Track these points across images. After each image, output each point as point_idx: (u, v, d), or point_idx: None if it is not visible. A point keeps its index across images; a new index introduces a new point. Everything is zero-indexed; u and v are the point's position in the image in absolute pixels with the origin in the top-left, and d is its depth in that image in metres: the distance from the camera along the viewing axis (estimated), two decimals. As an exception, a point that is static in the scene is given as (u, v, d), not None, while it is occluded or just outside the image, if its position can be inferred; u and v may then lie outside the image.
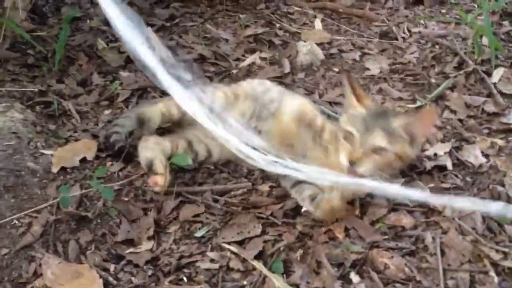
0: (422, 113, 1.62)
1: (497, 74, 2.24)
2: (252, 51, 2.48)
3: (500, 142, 1.91)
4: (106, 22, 2.64)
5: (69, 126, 1.98)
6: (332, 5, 2.86)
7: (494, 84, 2.19)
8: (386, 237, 1.56)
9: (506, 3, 2.60)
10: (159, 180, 1.68)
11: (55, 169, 1.73)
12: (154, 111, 1.83)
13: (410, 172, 1.80)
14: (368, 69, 2.39)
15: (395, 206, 1.65)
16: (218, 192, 1.74)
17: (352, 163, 1.58)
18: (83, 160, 1.79)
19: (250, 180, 1.81)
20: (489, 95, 2.14)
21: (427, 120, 1.62)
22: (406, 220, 1.62)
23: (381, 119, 1.62)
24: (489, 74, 2.24)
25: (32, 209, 1.58)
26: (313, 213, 1.59)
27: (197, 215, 1.64)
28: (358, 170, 1.57)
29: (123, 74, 2.27)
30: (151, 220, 1.60)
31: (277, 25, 2.70)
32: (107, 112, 2.09)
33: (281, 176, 1.72)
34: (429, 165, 1.79)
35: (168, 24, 2.68)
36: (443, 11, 2.84)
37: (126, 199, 1.68)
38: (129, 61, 2.36)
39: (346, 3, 2.86)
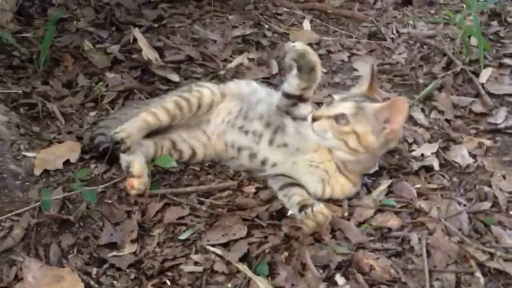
0: (393, 101, 1.57)
1: (485, 74, 2.23)
2: (240, 52, 2.46)
3: (488, 143, 1.90)
4: (93, 24, 2.65)
5: (53, 128, 1.96)
6: (320, 6, 2.85)
7: (482, 84, 2.18)
8: (372, 238, 1.55)
9: (495, 3, 2.59)
10: (135, 183, 1.66)
11: (37, 172, 1.70)
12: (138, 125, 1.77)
13: (397, 172, 1.79)
14: (356, 69, 2.38)
15: (382, 207, 1.64)
16: (203, 194, 1.72)
17: (313, 120, 1.62)
18: (67, 163, 1.77)
19: (236, 181, 1.79)
20: (477, 95, 2.14)
21: (397, 108, 1.55)
22: (393, 221, 1.61)
23: (361, 98, 1.63)
24: (477, 74, 2.24)
25: (14, 212, 1.55)
26: (304, 223, 1.53)
27: (182, 218, 1.62)
28: (313, 125, 1.61)
29: (109, 75, 2.25)
30: (135, 223, 1.57)
31: (266, 26, 2.68)
32: (92, 114, 2.07)
33: (269, 177, 1.71)
34: (416, 165, 1.79)
35: (156, 25, 2.66)
36: (432, 11, 2.84)
37: (110, 201, 1.65)
38: (116, 62, 2.34)
39: (335, 4, 2.85)
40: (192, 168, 1.83)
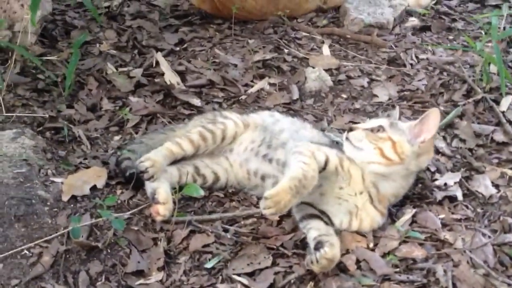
0: (426, 113, 1.68)
1: (506, 102, 2.24)
2: (261, 77, 2.49)
3: (510, 172, 1.91)
4: (116, 47, 2.69)
5: (79, 153, 1.98)
6: (339, 31, 2.87)
7: (503, 112, 2.19)
8: (398, 269, 1.55)
9: (515, 32, 2.61)
10: (161, 210, 1.68)
11: (65, 198, 1.73)
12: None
13: (420, 202, 1.80)
14: (376, 95, 2.39)
15: (406, 238, 1.65)
16: (228, 221, 1.74)
17: (349, 130, 1.73)
18: (93, 188, 1.79)
19: (259, 208, 1.80)
20: (498, 123, 2.15)
21: (431, 118, 1.66)
22: (418, 252, 1.61)
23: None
24: (497, 103, 2.25)
25: (43, 239, 1.57)
26: (314, 265, 1.52)
27: (207, 245, 1.64)
28: (348, 135, 1.71)
29: (133, 99, 2.28)
30: (161, 250, 1.59)
31: (285, 50, 2.71)
32: (116, 138, 2.10)
33: (294, 207, 1.71)
34: (439, 195, 1.79)
35: (177, 49, 2.70)
36: (451, 37, 2.85)
37: (136, 228, 1.67)
38: (139, 86, 2.37)
39: (354, 29, 2.87)
40: (216, 195, 1.85)
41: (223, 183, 1.87)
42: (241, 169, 1.86)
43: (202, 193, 1.69)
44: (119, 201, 1.76)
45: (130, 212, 1.70)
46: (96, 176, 1.82)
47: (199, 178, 1.84)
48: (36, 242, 1.56)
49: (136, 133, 2.11)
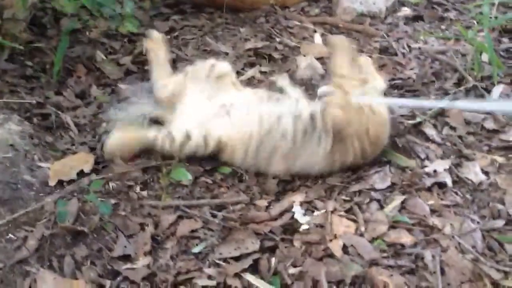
0: None
1: (497, 91, 2.23)
2: (252, 65, 2.47)
3: (500, 160, 1.90)
4: (106, 34, 2.66)
5: (66, 139, 1.97)
6: (332, 20, 2.86)
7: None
8: (386, 255, 1.54)
9: (507, 20, 2.59)
10: None
11: (52, 182, 1.71)
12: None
13: (410, 188, 1.79)
14: (367, 84, 2.38)
15: (395, 223, 1.64)
16: (216, 207, 1.73)
17: None
18: (80, 173, 1.77)
19: (248, 195, 1.80)
20: (489, 112, 2.13)
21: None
22: (406, 238, 1.60)
23: None
24: (488, 91, 2.24)
25: (28, 223, 1.56)
26: None
27: (195, 230, 1.63)
28: None
29: (122, 86, 2.26)
30: (148, 235, 1.58)
31: (277, 39, 2.69)
32: (105, 125, 2.08)
33: None
34: (429, 182, 1.78)
35: (168, 37, 2.67)
36: (443, 27, 2.84)
37: (123, 213, 1.66)
38: (128, 73, 2.36)
39: (346, 18, 2.86)
40: (205, 181, 1.83)
41: (195, 142, 1.90)
42: None
43: (189, 177, 1.68)
44: (106, 186, 1.75)
45: (118, 196, 1.69)
46: (83, 161, 1.81)
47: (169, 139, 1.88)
48: (22, 226, 1.55)
49: (125, 119, 2.09)
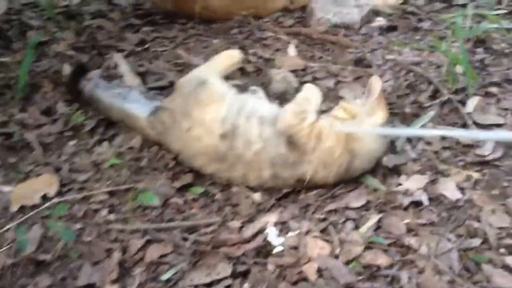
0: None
1: (472, 103, 2.21)
2: (225, 78, 2.41)
3: (476, 175, 1.87)
4: (74, 47, 2.59)
5: (30, 159, 1.89)
6: (306, 31, 2.82)
7: (469, 114, 2.16)
8: (361, 277, 1.50)
9: (484, 31, 2.59)
10: None
11: (14, 208, 1.64)
12: None
13: (385, 207, 1.75)
14: (342, 97, 2.34)
15: (370, 244, 1.60)
16: (187, 230, 1.67)
17: None
18: (44, 197, 1.70)
19: (220, 215, 1.75)
20: (464, 125, 2.11)
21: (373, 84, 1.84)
22: (382, 259, 1.57)
23: None
24: (463, 103, 2.22)
25: (-13, 252, 1.48)
26: None
27: (164, 255, 1.57)
28: None
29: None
30: (115, 262, 1.51)
31: (250, 51, 2.64)
32: (71, 143, 2.01)
33: None
34: (405, 200, 1.75)
35: (138, 49, 2.61)
36: (417, 37, 2.82)
37: (89, 238, 1.59)
38: (97, 88, 2.28)
39: (320, 29, 2.82)
40: (176, 202, 1.77)
41: None
42: None
43: (157, 201, 1.62)
44: (71, 210, 1.67)
45: (83, 221, 1.62)
46: (47, 183, 1.74)
47: None
48: (-21, 256, 1.47)
49: (92, 137, 2.02)
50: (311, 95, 1.90)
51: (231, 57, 2.15)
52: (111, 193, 1.76)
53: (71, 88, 2.13)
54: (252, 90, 2.14)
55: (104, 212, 1.69)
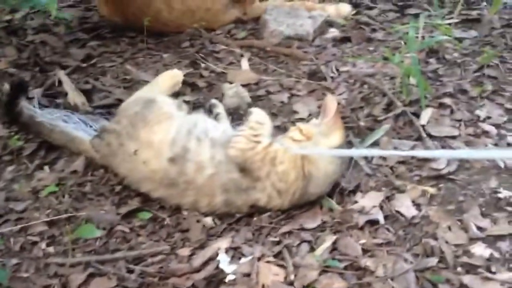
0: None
1: (426, 115, 2.19)
2: (175, 95, 2.33)
3: (431, 190, 1.84)
4: (15, 64, 2.45)
5: (-38, 188, 1.76)
6: (259, 43, 2.76)
7: (423, 126, 2.13)
8: (317, 305, 1.44)
9: (437, 42, 2.58)
10: None
11: None
12: None
13: (341, 226, 1.70)
14: (296, 112, 2.29)
15: (325, 267, 1.54)
16: (133, 260, 1.57)
17: None
18: (-23, 230, 1.58)
19: (169, 243, 1.66)
20: (419, 138, 2.08)
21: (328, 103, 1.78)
22: (338, 284, 1.51)
23: None
24: (417, 116, 2.19)
25: None
26: None
27: (108, 290, 1.46)
28: None
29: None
30: (54, 300, 1.41)
31: (202, 65, 2.57)
32: (10, 168, 1.89)
33: None
34: (361, 220, 1.70)
35: (84, 65, 2.50)
36: (371, 48, 2.79)
37: (26, 275, 1.47)
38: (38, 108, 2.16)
39: (273, 41, 2.77)
40: (121, 230, 1.68)
41: None
42: None
43: (98, 234, 1.52)
44: (7, 243, 1.56)
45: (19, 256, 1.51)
46: (-20, 216, 1.61)
47: None
48: None
49: (32, 162, 1.90)
50: (262, 119, 1.83)
51: (173, 76, 2.08)
52: (51, 223, 1.65)
53: (9, 109, 2.00)
54: (212, 104, 2.07)
55: (43, 244, 1.58)
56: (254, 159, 1.68)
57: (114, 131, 1.83)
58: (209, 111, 2.08)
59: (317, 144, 1.75)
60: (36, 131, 1.98)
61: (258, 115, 1.83)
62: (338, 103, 2.33)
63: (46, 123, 1.95)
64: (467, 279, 1.50)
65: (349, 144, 2.02)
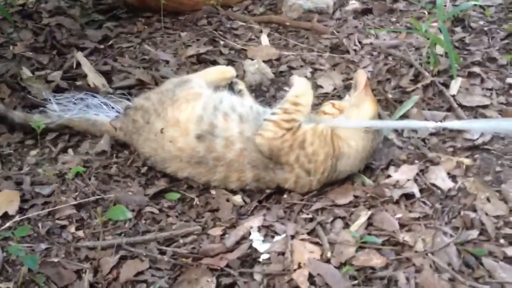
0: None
1: (455, 85, 2.11)
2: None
3: (467, 161, 1.78)
4: (32, 48, 2.41)
5: (-13, 174, 1.73)
6: (278, 18, 2.69)
7: (453, 96, 2.06)
8: (356, 282, 1.39)
9: (461, 10, 2.49)
10: None
11: (-29, 230, 1.48)
12: None
13: (375, 201, 1.64)
14: (321, 86, 2.23)
15: (362, 243, 1.49)
16: (164, 241, 1.54)
17: None
18: (5, 215, 1.54)
19: (200, 223, 1.62)
20: (450, 109, 2.02)
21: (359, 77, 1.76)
22: (376, 260, 1.46)
23: None
24: (447, 86, 2.12)
25: None
26: None
27: (141, 273, 1.43)
28: None
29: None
30: (86, 285, 1.37)
31: (221, 42, 2.50)
32: (33, 153, 1.85)
33: None
34: (395, 193, 1.64)
35: (102, 47, 2.45)
36: (393, 19, 2.71)
37: (56, 260, 1.44)
38: (58, 91, 2.12)
39: (293, 16, 2.70)
40: (150, 211, 1.64)
41: None
42: None
43: (129, 215, 1.48)
44: (35, 228, 1.52)
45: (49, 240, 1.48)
46: (7, 201, 1.58)
47: None
48: None
49: (56, 146, 1.87)
50: (303, 91, 1.75)
51: (223, 72, 2.02)
52: (79, 206, 1.62)
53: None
54: (233, 82, 2.02)
55: (72, 228, 1.54)
56: (282, 146, 1.63)
57: (141, 107, 1.79)
58: (231, 89, 2.02)
59: (349, 117, 1.70)
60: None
61: (298, 87, 1.75)
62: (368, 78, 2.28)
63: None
64: (510, 251, 1.45)
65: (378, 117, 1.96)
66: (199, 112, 1.70)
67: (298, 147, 1.63)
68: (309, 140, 1.64)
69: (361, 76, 1.75)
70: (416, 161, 1.79)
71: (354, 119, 1.70)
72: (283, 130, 1.64)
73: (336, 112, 1.72)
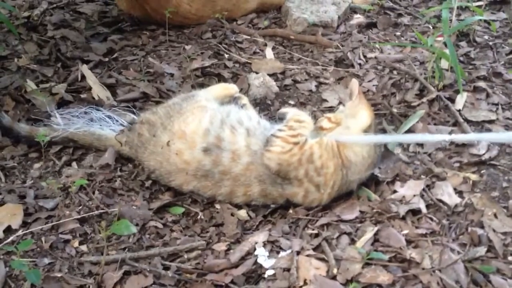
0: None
1: (461, 100, 2.11)
2: (200, 86, 2.26)
3: (473, 177, 1.76)
4: (37, 60, 2.41)
5: (-9, 187, 1.72)
6: (282, 32, 2.69)
7: (459, 111, 2.05)
8: (362, 299, 1.38)
9: (466, 25, 2.49)
10: None
11: (-27, 244, 1.47)
12: None
13: (381, 217, 1.63)
14: (325, 100, 2.22)
15: (369, 260, 1.47)
16: (168, 256, 1.52)
17: None
18: (8, 229, 1.53)
19: (204, 238, 1.60)
20: (455, 123, 2.01)
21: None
22: (383, 277, 1.44)
23: None
24: (452, 100, 2.11)
25: None
26: None
27: (145, 288, 1.41)
28: None
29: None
30: (90, 300, 1.36)
31: (226, 55, 2.50)
32: (37, 165, 1.84)
33: None
34: (402, 209, 1.63)
35: (107, 59, 2.44)
36: (398, 33, 2.72)
37: (60, 274, 1.43)
38: (62, 104, 2.11)
39: (297, 29, 2.70)
40: (154, 226, 1.62)
41: None
42: None
43: (134, 230, 1.47)
44: (38, 242, 1.51)
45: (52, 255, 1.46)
46: (10, 215, 1.57)
47: None
48: None
49: (60, 159, 1.86)
50: (301, 117, 1.77)
51: (226, 88, 2.02)
52: (83, 220, 1.60)
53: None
54: (236, 97, 2.01)
55: (75, 242, 1.53)
56: (291, 161, 1.63)
57: (148, 121, 1.79)
58: (235, 103, 2.01)
59: (347, 127, 1.71)
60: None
61: (293, 111, 1.80)
62: (368, 90, 2.27)
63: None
64: (519, 268, 1.43)
65: (383, 131, 1.95)
66: (206, 125, 1.70)
67: (307, 161, 1.63)
68: (317, 154, 1.64)
69: (354, 86, 1.76)
70: (423, 176, 1.78)
71: (353, 129, 1.71)
72: (291, 144, 1.64)
73: (334, 126, 1.72)
